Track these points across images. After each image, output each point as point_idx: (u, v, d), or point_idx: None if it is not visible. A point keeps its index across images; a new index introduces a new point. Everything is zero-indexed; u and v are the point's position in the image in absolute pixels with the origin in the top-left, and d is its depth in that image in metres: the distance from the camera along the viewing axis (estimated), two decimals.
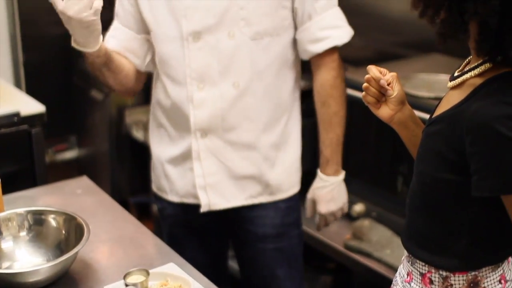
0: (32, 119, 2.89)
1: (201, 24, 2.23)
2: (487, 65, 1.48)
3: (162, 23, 2.28)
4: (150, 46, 2.38)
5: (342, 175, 2.42)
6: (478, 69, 1.49)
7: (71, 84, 3.92)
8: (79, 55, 2.57)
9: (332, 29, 2.31)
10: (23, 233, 2.01)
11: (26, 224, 2.01)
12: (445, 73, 2.77)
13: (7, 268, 1.94)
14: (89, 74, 3.53)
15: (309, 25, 2.29)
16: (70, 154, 4.19)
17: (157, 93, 2.40)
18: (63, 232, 1.99)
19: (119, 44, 2.36)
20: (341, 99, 2.36)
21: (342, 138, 2.39)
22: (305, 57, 2.36)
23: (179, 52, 2.27)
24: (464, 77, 1.52)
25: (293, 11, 2.29)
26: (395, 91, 1.69)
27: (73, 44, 2.15)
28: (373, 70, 1.69)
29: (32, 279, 1.79)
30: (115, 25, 2.39)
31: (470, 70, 1.51)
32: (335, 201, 2.41)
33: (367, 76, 1.70)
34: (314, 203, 2.44)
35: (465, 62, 1.59)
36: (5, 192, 2.19)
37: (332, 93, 2.34)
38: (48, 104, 2.98)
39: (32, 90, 3.49)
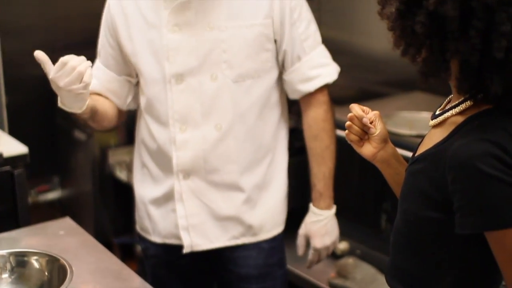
0: (14, 160, 2.87)
1: (183, 66, 2.24)
2: (468, 103, 1.49)
3: (145, 64, 2.29)
4: (131, 87, 2.41)
5: (334, 208, 2.43)
6: (459, 107, 1.51)
7: (54, 125, 3.91)
8: None
9: (322, 67, 2.35)
10: (5, 275, 1.99)
11: (8, 266, 1.99)
12: (427, 111, 2.79)
13: None
14: (72, 114, 3.54)
15: (299, 66, 2.32)
16: (53, 195, 4.16)
17: (141, 133, 2.41)
18: (46, 274, 1.97)
19: (101, 84, 2.38)
20: (332, 133, 2.39)
21: (333, 172, 2.41)
22: (296, 96, 2.38)
23: (162, 94, 2.28)
24: (446, 115, 1.53)
25: (279, 53, 2.31)
26: (377, 129, 1.70)
27: (60, 105, 2.16)
28: (356, 109, 1.71)
29: None
30: (97, 65, 2.41)
31: (451, 108, 1.53)
32: (329, 235, 2.42)
33: (350, 114, 1.71)
34: (306, 238, 2.43)
35: (446, 100, 1.60)
36: None
37: (325, 126, 2.37)
38: (31, 145, 2.97)
39: (15, 131, 3.48)
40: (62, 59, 2.00)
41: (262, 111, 2.33)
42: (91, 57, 2.41)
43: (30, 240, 2.38)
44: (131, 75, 2.39)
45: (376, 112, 1.72)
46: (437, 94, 2.79)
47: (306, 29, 2.32)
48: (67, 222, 2.50)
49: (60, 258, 1.95)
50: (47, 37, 3.87)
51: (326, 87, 2.37)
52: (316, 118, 2.37)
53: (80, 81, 2.01)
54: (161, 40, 2.25)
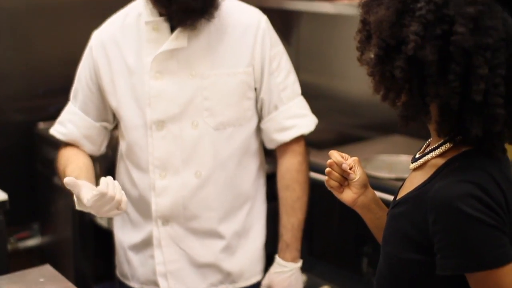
0: None
1: (165, 113, 2.25)
2: (447, 145, 1.51)
3: (126, 110, 2.30)
4: (107, 134, 2.41)
5: (300, 262, 2.39)
6: (439, 149, 1.52)
7: (34, 171, 3.89)
8: (43, 142, 2.58)
9: (299, 118, 2.35)
10: None
11: None
12: (406, 154, 2.82)
13: None
14: (52, 161, 3.53)
15: (275, 115, 2.32)
16: (32, 242, 4.12)
17: (121, 178, 2.40)
18: None
19: (79, 130, 2.37)
20: (305, 185, 2.37)
21: (303, 224, 2.38)
22: (272, 146, 2.39)
23: (143, 140, 2.28)
24: (426, 158, 1.55)
25: (258, 102, 2.32)
26: (357, 174, 1.71)
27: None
28: (335, 155, 1.72)
29: None
30: (72, 109, 2.40)
31: (431, 151, 1.54)
32: None
33: (329, 161, 1.72)
34: None
35: (426, 143, 1.62)
36: None
37: (298, 177, 2.35)
38: (11, 191, 2.95)
39: None
40: (101, 191, 1.92)
41: (242, 159, 2.33)
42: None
43: None
44: (108, 121, 2.39)
45: (355, 158, 1.74)
46: (416, 137, 2.81)
47: (284, 79, 2.33)
48: (47, 269, 2.48)
49: None
50: (27, 83, 3.87)
51: (302, 138, 2.37)
52: (289, 169, 2.36)
53: (118, 208, 1.98)
54: (143, 86, 2.25)
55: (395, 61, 1.43)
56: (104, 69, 2.31)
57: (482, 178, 1.43)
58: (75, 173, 2.16)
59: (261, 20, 2.31)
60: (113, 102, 2.32)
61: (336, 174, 1.72)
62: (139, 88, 2.26)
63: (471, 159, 1.48)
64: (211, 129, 2.26)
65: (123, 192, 1.99)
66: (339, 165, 1.71)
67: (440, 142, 1.53)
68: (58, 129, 2.43)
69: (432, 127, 1.54)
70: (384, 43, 1.44)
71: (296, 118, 2.34)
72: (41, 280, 2.38)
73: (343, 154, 1.73)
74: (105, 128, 2.40)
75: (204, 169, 2.28)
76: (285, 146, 2.36)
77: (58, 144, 2.75)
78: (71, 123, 2.38)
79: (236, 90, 2.26)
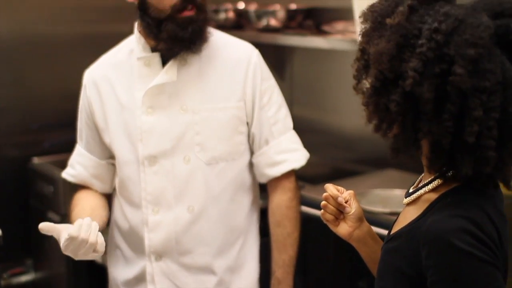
0: None
1: (157, 148, 2.25)
2: (440, 180, 1.51)
3: (119, 146, 2.30)
4: (115, 170, 2.39)
5: None
6: (431, 184, 1.52)
7: (28, 206, 3.88)
8: (37, 177, 2.58)
9: (289, 153, 2.34)
10: None
11: None
12: (400, 188, 2.82)
13: None
14: (46, 196, 3.52)
15: (266, 149, 2.32)
16: (26, 278, 4.10)
17: (115, 214, 2.40)
18: None
19: (87, 170, 2.39)
20: (296, 221, 2.36)
21: (295, 260, 2.37)
22: (263, 180, 2.38)
23: (135, 175, 2.28)
24: (419, 193, 1.55)
25: (250, 136, 2.32)
26: (353, 208, 1.71)
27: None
28: (331, 188, 1.72)
29: None
30: (80, 151, 2.42)
31: (424, 186, 1.54)
32: None
33: (325, 194, 1.72)
34: None
35: (419, 178, 1.62)
36: None
37: (288, 214, 2.35)
38: (4, 226, 2.94)
39: None
40: (71, 235, 1.92)
41: (235, 194, 2.33)
42: (67, 138, 2.42)
43: None
44: (113, 157, 2.38)
45: (350, 191, 1.74)
46: (410, 172, 2.82)
47: (275, 113, 2.33)
48: None
49: None
50: (22, 118, 3.88)
51: (293, 173, 2.37)
52: (280, 205, 2.36)
53: (94, 250, 1.96)
54: (134, 121, 2.26)
55: (391, 94, 1.44)
56: (97, 106, 2.33)
57: (475, 213, 1.43)
58: (79, 216, 2.15)
59: (252, 54, 2.33)
60: (106, 138, 2.33)
61: (331, 207, 1.72)
62: (131, 123, 2.27)
63: (464, 194, 1.48)
64: (203, 164, 2.26)
65: (99, 233, 1.98)
66: (335, 198, 1.71)
67: (432, 177, 1.53)
68: (68, 172, 2.46)
69: (423, 162, 1.54)
70: (382, 75, 1.45)
71: (287, 153, 2.34)
72: None
73: (339, 188, 1.73)
74: (112, 165, 2.39)
75: (197, 204, 2.27)
76: (276, 181, 2.36)
77: (52, 180, 2.77)
78: (79, 164, 2.40)
79: (227, 124, 2.27)
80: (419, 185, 1.57)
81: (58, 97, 3.98)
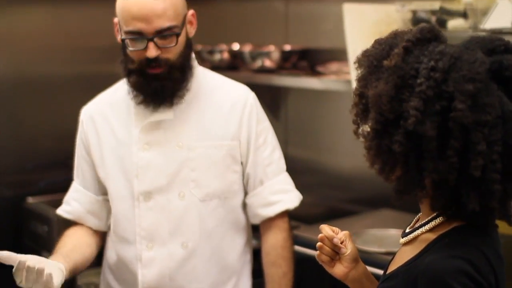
0: None
1: (152, 184, 2.26)
2: (438, 220, 1.51)
3: (114, 182, 2.32)
4: (110, 207, 2.39)
5: None
6: (429, 224, 1.52)
7: (23, 246, 3.86)
8: (31, 217, 2.56)
9: (283, 193, 2.37)
10: None
11: None
12: (395, 228, 2.82)
13: None
14: (41, 236, 3.51)
15: (260, 190, 2.34)
16: None
17: (107, 253, 2.40)
18: None
19: (83, 206, 2.39)
20: (290, 261, 2.37)
21: None
22: (256, 221, 2.39)
23: (130, 211, 2.29)
24: (416, 233, 1.55)
25: (244, 176, 2.35)
26: (348, 249, 1.72)
27: None
28: (326, 229, 1.73)
29: None
30: (75, 187, 2.42)
31: (421, 226, 1.54)
32: None
33: (320, 235, 1.73)
34: None
35: (416, 218, 1.62)
36: None
37: (283, 254, 2.35)
38: None
39: None
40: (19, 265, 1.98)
41: (229, 232, 2.33)
42: (62, 177, 2.42)
43: None
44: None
45: (345, 232, 1.74)
46: (405, 212, 2.82)
47: (270, 154, 2.36)
48: None
49: None
50: (16, 157, 3.88)
51: (286, 213, 2.38)
52: (274, 245, 2.36)
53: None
54: (131, 157, 2.28)
55: (394, 135, 1.44)
56: (93, 142, 2.35)
57: (473, 254, 1.43)
58: (58, 252, 2.21)
59: (248, 96, 2.36)
60: (101, 174, 2.34)
61: (327, 248, 1.73)
62: (127, 159, 2.29)
63: (462, 235, 1.48)
64: (198, 200, 2.28)
65: (56, 268, 2.00)
66: (330, 239, 1.71)
67: (430, 217, 1.53)
68: (64, 208, 2.46)
69: (423, 201, 1.54)
70: (383, 117, 1.45)
71: (281, 194, 2.37)
72: None
73: (334, 228, 1.74)
74: (107, 201, 2.39)
75: (191, 240, 2.28)
76: (270, 221, 2.37)
77: (47, 220, 2.76)
78: (75, 201, 2.41)
79: (221, 162, 2.29)
80: (416, 225, 1.57)
81: (53, 137, 3.99)
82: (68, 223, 2.46)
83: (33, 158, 3.92)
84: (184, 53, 2.25)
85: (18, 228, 3.84)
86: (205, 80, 2.35)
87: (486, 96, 1.39)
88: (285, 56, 3.76)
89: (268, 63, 3.73)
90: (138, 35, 2.18)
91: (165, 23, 2.17)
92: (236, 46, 3.98)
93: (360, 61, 1.54)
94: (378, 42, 1.54)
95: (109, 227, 2.41)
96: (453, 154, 1.39)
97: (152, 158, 2.26)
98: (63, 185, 2.56)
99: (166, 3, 2.17)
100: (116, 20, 2.26)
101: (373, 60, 1.50)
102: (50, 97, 3.98)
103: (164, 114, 2.26)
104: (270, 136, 2.38)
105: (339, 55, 3.39)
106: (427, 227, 1.53)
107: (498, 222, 1.54)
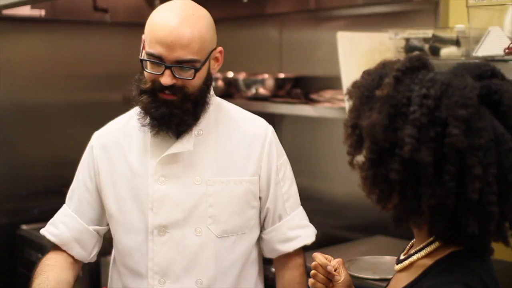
0: None
1: (168, 218, 2.18)
2: (434, 245, 1.51)
3: (126, 214, 2.23)
4: (99, 240, 2.34)
5: None
6: (425, 250, 1.53)
7: (16, 274, 3.86)
8: (25, 244, 2.55)
9: (301, 229, 2.32)
10: None
11: None
12: (390, 255, 2.82)
13: None
14: (34, 263, 3.50)
15: (279, 225, 2.29)
16: None
17: (113, 283, 2.34)
18: None
19: (70, 233, 2.28)
20: None
21: None
22: (273, 256, 2.34)
23: (143, 244, 2.21)
24: (412, 259, 1.55)
25: (262, 211, 2.29)
26: (342, 276, 1.73)
27: None
28: (320, 257, 1.74)
29: None
30: (66, 211, 2.32)
31: (416, 252, 1.55)
32: None
33: (314, 263, 1.74)
34: None
35: (409, 244, 1.63)
36: None
37: None
38: None
39: None
40: None
41: (244, 268, 2.27)
42: (56, 205, 2.39)
43: None
44: (101, 225, 2.32)
45: (339, 259, 1.76)
46: (399, 238, 2.82)
47: (288, 189, 2.31)
48: None
49: None
50: (10, 185, 3.88)
51: (302, 249, 2.32)
52: (291, 282, 2.30)
53: None
54: (146, 189, 2.20)
55: (389, 163, 1.44)
56: (104, 171, 2.26)
57: (472, 279, 1.44)
58: (42, 286, 2.12)
59: (268, 130, 2.30)
60: (112, 205, 2.25)
61: (321, 276, 1.74)
62: (142, 191, 2.20)
63: (460, 260, 1.49)
64: (215, 237, 2.21)
65: None
66: (324, 267, 1.73)
67: (426, 243, 1.53)
68: (49, 230, 2.33)
69: (417, 227, 1.54)
70: (378, 147, 1.46)
71: (298, 229, 2.31)
72: None
73: (327, 256, 1.75)
74: (98, 233, 2.32)
75: (206, 277, 2.21)
76: (286, 257, 2.32)
77: (41, 247, 2.72)
78: (63, 225, 2.30)
79: (241, 198, 2.23)
80: (411, 251, 1.57)
81: (47, 164, 4.00)
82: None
83: (27, 186, 3.92)
84: (201, 88, 2.17)
85: (12, 255, 3.84)
86: (224, 112, 2.29)
87: (479, 120, 1.40)
88: (279, 83, 3.79)
89: (262, 90, 3.75)
90: (157, 60, 2.09)
91: (186, 55, 2.08)
92: (230, 74, 4.01)
93: (350, 93, 1.55)
94: (367, 73, 1.55)
95: (113, 259, 2.34)
96: (450, 179, 1.40)
97: (168, 191, 2.18)
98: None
99: (194, 35, 2.08)
100: (143, 37, 2.16)
101: (364, 91, 1.51)
102: (45, 125, 3.99)
103: (183, 146, 2.17)
104: (288, 170, 2.34)
105: (333, 82, 3.41)
106: (422, 252, 1.53)
107: (496, 245, 1.54)
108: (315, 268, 1.74)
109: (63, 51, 4.03)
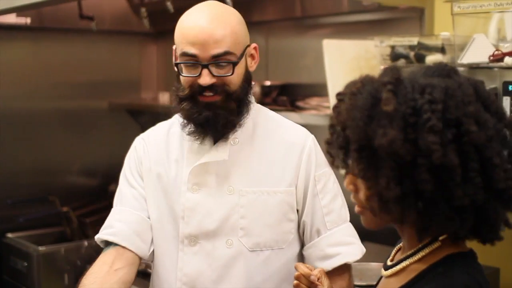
0: None
1: (199, 228, 2.11)
2: (427, 249, 1.51)
3: (160, 220, 2.17)
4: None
5: None
6: (418, 254, 1.52)
7: (1, 282, 3.84)
8: (10, 253, 2.53)
9: (343, 246, 2.15)
10: None
11: None
12: (376, 261, 2.82)
13: None
14: (20, 272, 3.50)
15: (317, 241, 2.15)
16: None
17: None
18: None
19: (129, 226, 2.16)
20: None
21: None
22: None
23: (173, 253, 2.15)
24: (404, 263, 1.55)
25: (300, 225, 2.17)
26: (324, 285, 1.74)
27: None
28: (302, 267, 1.76)
29: None
30: (117, 210, 2.22)
31: (408, 257, 1.54)
32: None
33: (296, 273, 1.76)
34: None
35: (395, 249, 1.63)
36: None
37: None
38: None
39: None
40: None
41: (281, 285, 2.14)
42: (41, 213, 2.39)
43: None
44: None
45: (321, 268, 1.79)
46: (386, 244, 2.83)
47: (330, 202, 2.15)
48: None
49: None
50: None
51: (346, 269, 2.17)
52: None
53: None
54: (178, 197, 2.14)
55: (414, 176, 1.41)
56: (146, 170, 2.20)
57: (470, 281, 1.45)
58: None
59: (307, 138, 2.18)
60: (149, 208, 2.19)
61: (304, 286, 1.75)
62: (175, 199, 2.14)
63: (456, 263, 1.49)
64: (246, 250, 2.11)
65: None
66: (307, 277, 1.73)
67: (417, 248, 1.53)
68: (106, 232, 2.18)
69: (411, 232, 1.52)
70: (398, 163, 1.42)
71: (340, 246, 2.14)
72: None
73: (309, 266, 1.78)
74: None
75: None
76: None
77: (26, 255, 2.70)
78: (120, 222, 2.17)
79: (275, 210, 2.12)
80: (401, 256, 1.56)
81: (33, 172, 3.98)
82: (47, 260, 2.32)
83: (12, 194, 3.91)
84: (243, 86, 2.09)
85: None
86: (262, 120, 2.20)
87: (483, 112, 1.43)
88: (265, 91, 3.79)
89: None
90: (192, 60, 2.03)
91: (222, 49, 2.01)
92: None
93: (351, 116, 1.49)
94: (353, 93, 1.51)
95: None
96: (476, 175, 1.40)
97: (200, 200, 2.11)
98: (43, 220, 2.53)
99: (226, 31, 2.02)
100: (174, 47, 2.10)
101: (364, 111, 1.48)
102: (30, 133, 3.98)
103: (217, 155, 2.11)
104: (331, 182, 2.17)
105: (319, 90, 3.42)
106: (415, 257, 1.53)
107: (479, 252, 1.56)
108: (297, 278, 1.75)
109: (48, 59, 4.03)
